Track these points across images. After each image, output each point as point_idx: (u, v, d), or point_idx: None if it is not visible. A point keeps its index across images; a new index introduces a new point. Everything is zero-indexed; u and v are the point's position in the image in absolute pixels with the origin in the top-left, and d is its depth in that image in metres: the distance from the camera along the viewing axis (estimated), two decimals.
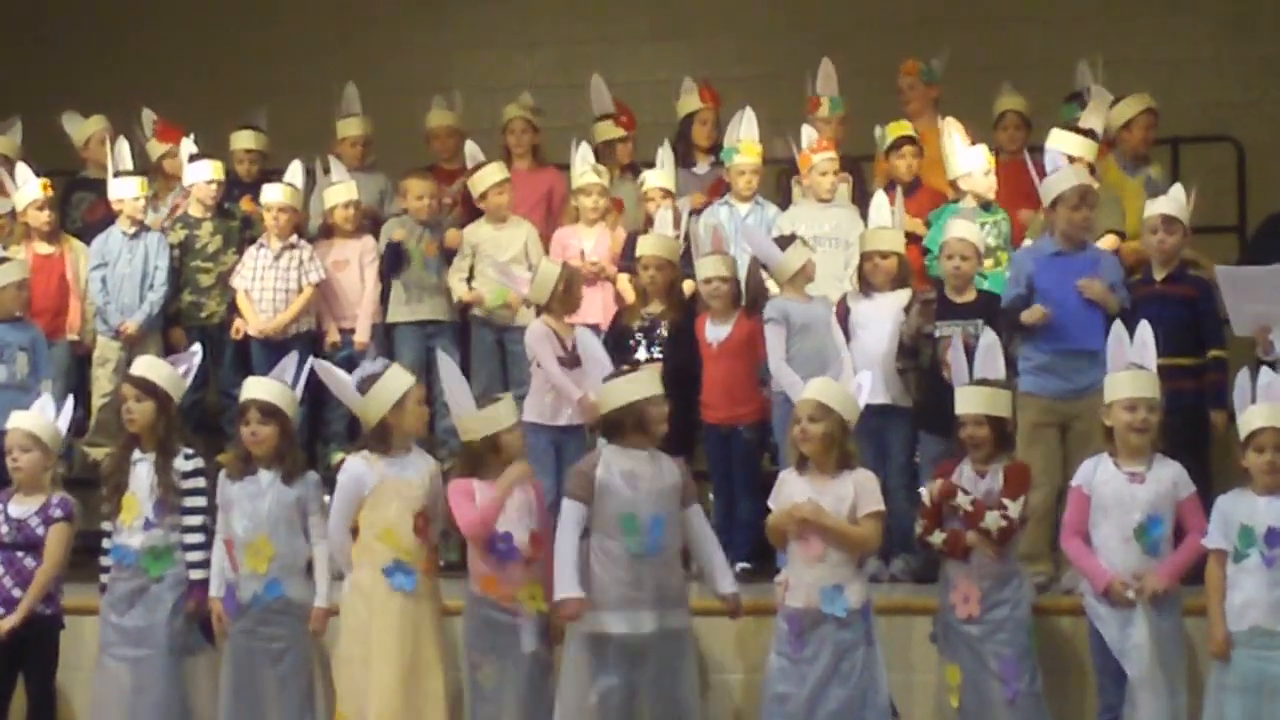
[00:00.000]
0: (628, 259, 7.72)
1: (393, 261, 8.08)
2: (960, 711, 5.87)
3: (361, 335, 8.06)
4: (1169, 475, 5.75)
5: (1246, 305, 6.25)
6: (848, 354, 6.75)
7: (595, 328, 7.26)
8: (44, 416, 6.43)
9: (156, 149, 8.80)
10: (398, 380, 6.10)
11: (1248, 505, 5.58)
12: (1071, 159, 6.99)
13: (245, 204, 8.44)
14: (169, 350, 7.69)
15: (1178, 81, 8.94)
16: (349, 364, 6.68)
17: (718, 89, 8.67)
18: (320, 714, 6.13)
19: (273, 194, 8.11)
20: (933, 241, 7.39)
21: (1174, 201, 6.80)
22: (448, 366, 6.18)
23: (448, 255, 8.13)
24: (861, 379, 6.02)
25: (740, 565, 6.76)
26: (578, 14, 10.84)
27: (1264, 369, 5.77)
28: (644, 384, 5.91)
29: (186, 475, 6.25)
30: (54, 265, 8.25)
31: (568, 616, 5.76)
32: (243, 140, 8.68)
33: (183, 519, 6.23)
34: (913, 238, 7.52)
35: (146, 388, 6.29)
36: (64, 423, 6.51)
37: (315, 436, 8.06)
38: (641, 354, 7.21)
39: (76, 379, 8.21)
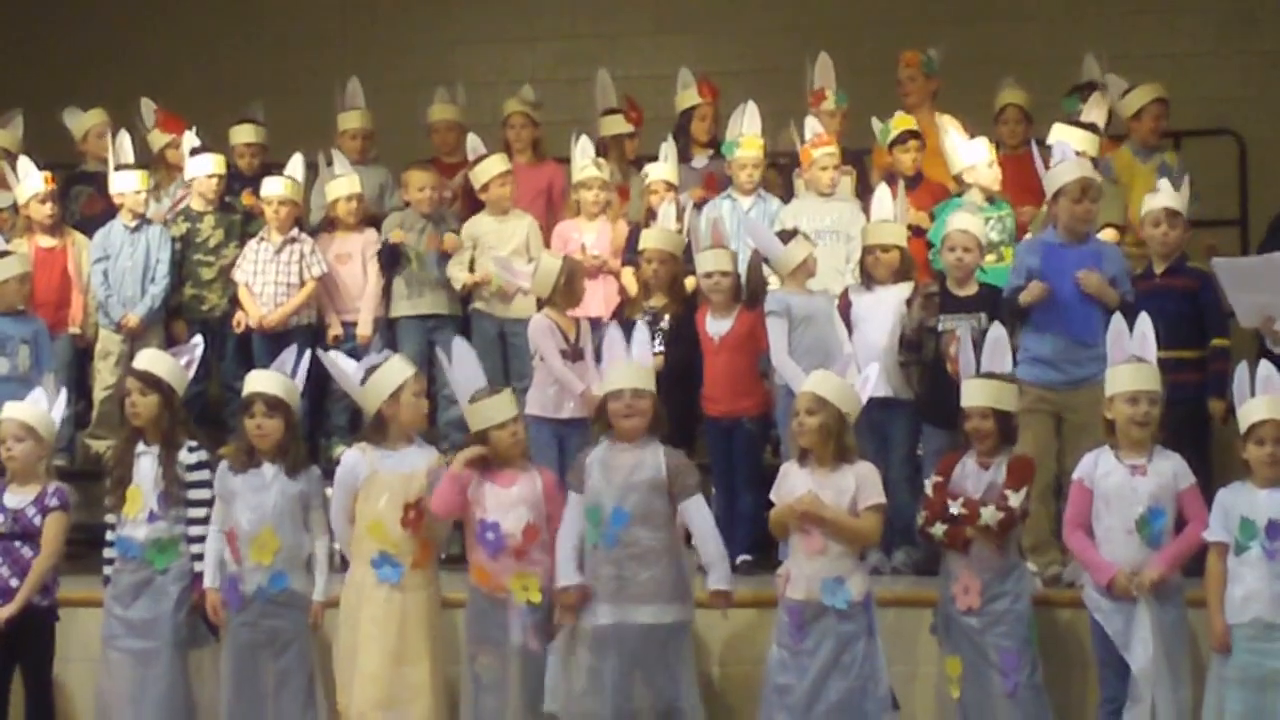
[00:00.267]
0: (631, 252, 7.73)
1: (389, 262, 8.09)
2: (961, 703, 5.87)
3: (364, 329, 8.08)
4: (1170, 467, 5.75)
5: (1247, 296, 6.26)
6: (851, 348, 6.75)
7: (597, 321, 7.28)
8: (38, 407, 6.42)
9: (158, 140, 8.79)
10: (396, 370, 6.11)
11: (1248, 498, 5.58)
12: (1075, 153, 6.99)
13: (246, 198, 8.43)
14: (171, 343, 7.67)
15: (1179, 76, 8.92)
16: (351, 358, 6.66)
17: (718, 84, 8.67)
18: (321, 707, 6.13)
19: (273, 187, 8.10)
20: (936, 235, 7.38)
21: (1177, 195, 6.81)
22: (462, 353, 6.17)
23: (446, 258, 8.11)
24: (869, 372, 6.02)
25: (741, 557, 6.78)
26: (579, 9, 10.85)
27: (1263, 361, 5.76)
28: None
29: (191, 468, 6.24)
30: (56, 259, 8.24)
31: (567, 605, 5.78)
32: (242, 134, 8.67)
33: (187, 511, 6.22)
34: (916, 231, 7.52)
35: (150, 381, 6.28)
36: (58, 413, 6.49)
37: (317, 430, 8.05)
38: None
39: (78, 372, 8.22)
